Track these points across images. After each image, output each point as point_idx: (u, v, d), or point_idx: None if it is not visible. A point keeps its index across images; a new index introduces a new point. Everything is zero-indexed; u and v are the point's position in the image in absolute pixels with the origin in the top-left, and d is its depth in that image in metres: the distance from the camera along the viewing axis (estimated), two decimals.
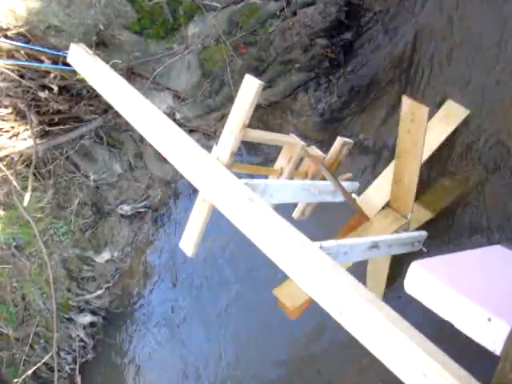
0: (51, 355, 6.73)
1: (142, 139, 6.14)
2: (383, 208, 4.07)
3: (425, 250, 3.94)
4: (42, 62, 4.96)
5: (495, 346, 2.37)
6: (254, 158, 5.82)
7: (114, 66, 4.30)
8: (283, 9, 5.20)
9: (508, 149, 3.94)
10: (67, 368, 7.57)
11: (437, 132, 4.13)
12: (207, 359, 6.16)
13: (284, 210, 3.88)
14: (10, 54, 4.88)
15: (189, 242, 3.41)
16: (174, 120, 5.73)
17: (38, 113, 5.52)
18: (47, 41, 4.90)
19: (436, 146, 4.12)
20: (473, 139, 4.15)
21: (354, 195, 4.23)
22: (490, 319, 2.40)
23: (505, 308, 2.46)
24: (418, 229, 4.08)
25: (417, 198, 3.89)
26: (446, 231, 4.19)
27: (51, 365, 7.05)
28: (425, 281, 2.75)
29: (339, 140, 4.26)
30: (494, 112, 4.07)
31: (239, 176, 3.01)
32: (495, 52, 4.14)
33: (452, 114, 4.18)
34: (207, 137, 5.98)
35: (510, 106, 3.99)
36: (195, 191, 3.29)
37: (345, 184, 4.21)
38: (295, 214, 4.35)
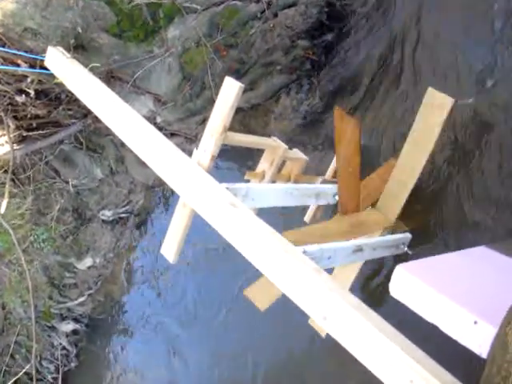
0: (31, 365, 6.58)
1: (123, 144, 6.03)
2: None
3: (409, 252, 3.92)
4: (18, 65, 4.84)
5: (481, 350, 2.33)
6: None
7: (93, 70, 4.21)
8: (264, 10, 5.16)
9: None
10: (49, 377, 7.42)
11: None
12: (193, 368, 6.07)
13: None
14: None
15: (170, 248, 3.35)
16: (155, 124, 5.66)
17: (15, 118, 5.40)
18: (24, 44, 4.78)
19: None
20: None
21: (336, 197, 4.20)
22: (476, 322, 2.37)
23: (491, 310, 2.42)
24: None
25: None
26: (431, 233, 4.17)
27: (33, 374, 6.91)
28: (410, 284, 2.71)
29: None
30: None
31: (220, 180, 2.96)
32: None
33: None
34: (189, 141, 5.92)
35: None
36: (177, 195, 3.23)
37: (328, 186, 4.18)
38: (307, 218, 4.32)
